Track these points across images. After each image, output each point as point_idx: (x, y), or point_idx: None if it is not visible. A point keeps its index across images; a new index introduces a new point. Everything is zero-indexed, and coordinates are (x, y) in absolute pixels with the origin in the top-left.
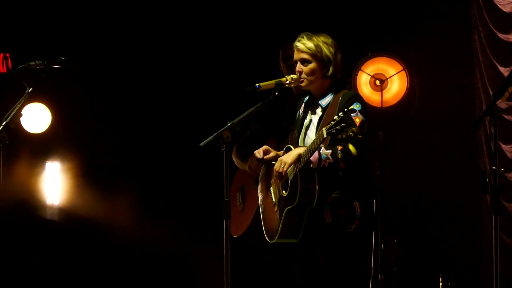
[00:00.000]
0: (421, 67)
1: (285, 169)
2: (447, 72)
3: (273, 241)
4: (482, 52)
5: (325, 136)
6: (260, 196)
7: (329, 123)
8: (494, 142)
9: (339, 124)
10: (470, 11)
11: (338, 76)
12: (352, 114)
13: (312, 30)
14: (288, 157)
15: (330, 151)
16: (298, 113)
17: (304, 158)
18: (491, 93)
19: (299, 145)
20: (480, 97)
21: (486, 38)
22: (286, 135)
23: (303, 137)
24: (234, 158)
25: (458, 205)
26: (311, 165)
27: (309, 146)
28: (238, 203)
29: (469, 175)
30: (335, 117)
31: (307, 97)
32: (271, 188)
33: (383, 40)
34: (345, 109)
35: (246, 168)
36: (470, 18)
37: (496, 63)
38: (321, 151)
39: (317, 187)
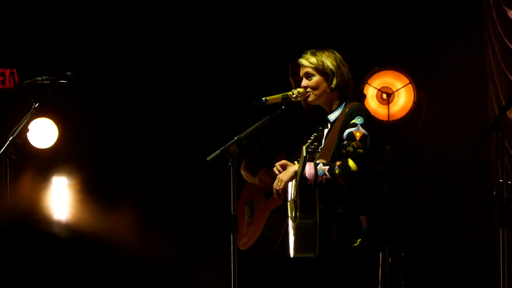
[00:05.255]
0: (430, 81)
1: (281, 186)
2: (457, 86)
3: (293, 256)
4: (495, 65)
5: (304, 154)
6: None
7: (307, 141)
8: (501, 155)
9: (314, 143)
10: (483, 25)
11: (347, 90)
12: (353, 129)
13: (320, 44)
14: (285, 175)
15: (328, 167)
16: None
17: (298, 175)
18: None
19: None
20: (494, 111)
21: (500, 52)
22: (297, 150)
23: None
24: (242, 172)
25: (468, 218)
26: (308, 182)
27: (299, 162)
28: (247, 216)
29: (480, 188)
30: (313, 135)
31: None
32: (288, 204)
33: (390, 53)
34: (319, 127)
35: (256, 181)
36: (483, 31)
37: (511, 77)
38: (318, 167)
39: (317, 203)
